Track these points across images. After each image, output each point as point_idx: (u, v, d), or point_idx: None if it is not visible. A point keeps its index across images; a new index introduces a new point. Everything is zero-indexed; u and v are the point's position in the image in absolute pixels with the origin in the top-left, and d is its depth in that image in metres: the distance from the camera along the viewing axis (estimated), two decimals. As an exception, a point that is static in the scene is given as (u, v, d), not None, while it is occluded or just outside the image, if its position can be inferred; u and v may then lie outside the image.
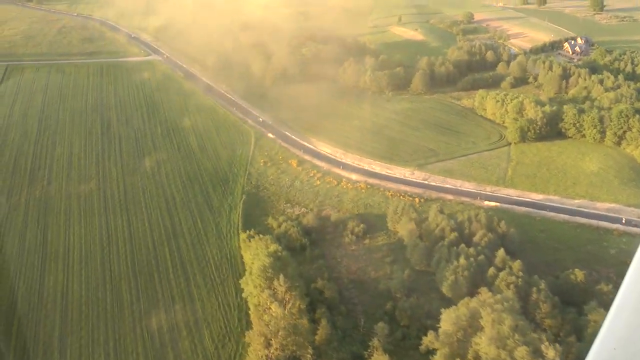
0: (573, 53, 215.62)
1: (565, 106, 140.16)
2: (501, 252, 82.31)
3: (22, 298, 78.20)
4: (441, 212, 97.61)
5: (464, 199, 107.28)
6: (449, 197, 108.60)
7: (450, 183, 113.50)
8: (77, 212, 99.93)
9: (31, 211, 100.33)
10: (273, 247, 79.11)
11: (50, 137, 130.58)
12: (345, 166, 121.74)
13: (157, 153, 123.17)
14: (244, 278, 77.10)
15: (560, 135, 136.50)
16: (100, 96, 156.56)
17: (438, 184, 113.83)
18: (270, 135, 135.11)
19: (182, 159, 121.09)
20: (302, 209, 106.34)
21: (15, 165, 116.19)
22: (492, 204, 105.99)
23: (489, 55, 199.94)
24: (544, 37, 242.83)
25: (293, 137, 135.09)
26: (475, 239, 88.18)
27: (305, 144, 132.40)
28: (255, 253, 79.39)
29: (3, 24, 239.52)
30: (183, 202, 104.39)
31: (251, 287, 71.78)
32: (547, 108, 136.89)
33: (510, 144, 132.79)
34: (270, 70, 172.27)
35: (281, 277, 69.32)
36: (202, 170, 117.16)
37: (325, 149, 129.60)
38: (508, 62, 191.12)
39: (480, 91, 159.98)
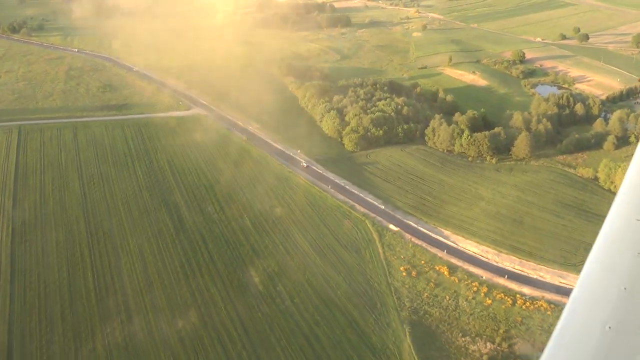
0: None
1: None
2: None
3: None
4: None
5: None
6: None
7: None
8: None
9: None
10: None
11: (107, 239, 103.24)
12: (509, 275, 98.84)
13: (262, 259, 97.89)
14: None
15: None
16: (151, 170, 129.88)
17: None
18: (392, 227, 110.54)
19: (298, 269, 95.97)
20: (488, 345, 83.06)
21: (71, 289, 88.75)
22: None
23: (578, 107, 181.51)
24: (610, 81, 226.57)
25: (421, 229, 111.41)
26: None
27: (440, 238, 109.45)
28: None
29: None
30: (332, 343, 79.51)
31: None
32: None
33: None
34: (349, 132, 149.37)
35: None
36: (332, 285, 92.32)
37: (469, 246, 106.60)
38: (604, 117, 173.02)
39: (605, 161, 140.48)
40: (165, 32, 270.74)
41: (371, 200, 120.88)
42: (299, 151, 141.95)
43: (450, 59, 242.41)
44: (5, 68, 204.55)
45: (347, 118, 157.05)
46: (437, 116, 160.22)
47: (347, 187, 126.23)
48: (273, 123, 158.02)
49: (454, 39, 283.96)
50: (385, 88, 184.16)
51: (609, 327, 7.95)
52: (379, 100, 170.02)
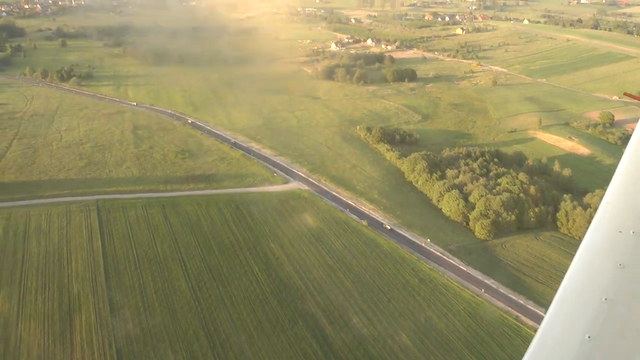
0: None
1: None
2: None
3: None
4: None
5: None
6: None
7: None
8: None
9: None
10: None
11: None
12: None
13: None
14: None
15: None
16: (269, 266, 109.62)
17: None
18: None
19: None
20: None
21: None
22: None
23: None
24: None
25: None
26: None
27: None
28: None
29: (50, 121, 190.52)
30: None
31: None
32: None
33: None
34: (478, 217, 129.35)
35: None
36: None
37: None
38: None
39: None
40: (223, 83, 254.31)
41: (532, 308, 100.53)
42: (428, 240, 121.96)
43: (540, 122, 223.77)
44: (64, 125, 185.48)
45: (471, 199, 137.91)
46: (566, 197, 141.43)
47: (500, 290, 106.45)
48: (386, 202, 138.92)
49: (527, 96, 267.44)
50: (496, 160, 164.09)
51: (589, 337, 7.96)
52: (499, 176, 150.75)
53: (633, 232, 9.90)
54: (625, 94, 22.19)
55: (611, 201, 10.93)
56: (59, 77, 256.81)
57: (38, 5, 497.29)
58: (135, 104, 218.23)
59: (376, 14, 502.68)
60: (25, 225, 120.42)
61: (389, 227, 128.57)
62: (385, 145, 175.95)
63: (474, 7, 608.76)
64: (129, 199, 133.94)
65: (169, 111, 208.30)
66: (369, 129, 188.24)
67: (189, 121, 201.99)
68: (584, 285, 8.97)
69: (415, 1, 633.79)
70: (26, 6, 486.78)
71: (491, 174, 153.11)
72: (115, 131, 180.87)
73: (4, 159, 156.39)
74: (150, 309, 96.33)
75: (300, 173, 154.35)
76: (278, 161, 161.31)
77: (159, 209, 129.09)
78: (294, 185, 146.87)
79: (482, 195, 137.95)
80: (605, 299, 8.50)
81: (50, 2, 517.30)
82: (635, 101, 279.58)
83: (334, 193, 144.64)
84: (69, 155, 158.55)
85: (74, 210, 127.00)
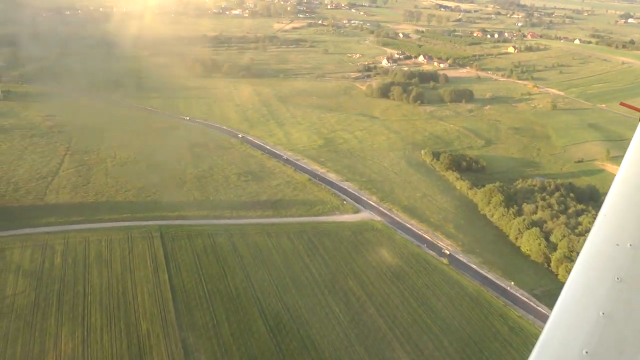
0: None
1: None
2: None
3: None
4: None
5: None
6: None
7: None
8: None
9: None
10: None
11: None
12: None
13: None
14: None
15: None
16: (350, 308, 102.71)
17: None
18: None
19: None
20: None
21: None
22: None
23: None
24: None
25: None
26: None
27: None
28: None
29: (101, 135, 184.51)
30: None
31: None
32: None
33: None
34: (561, 259, 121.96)
35: None
36: None
37: None
38: None
39: None
40: (276, 97, 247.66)
41: None
42: (512, 283, 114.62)
43: (609, 153, 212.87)
44: (115, 140, 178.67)
45: (552, 239, 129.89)
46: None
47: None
48: (464, 238, 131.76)
49: (590, 122, 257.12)
50: (571, 195, 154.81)
51: (586, 352, 7.96)
52: (578, 214, 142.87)
53: (631, 245, 9.68)
54: (621, 103, 20.41)
55: (608, 214, 10.77)
56: (106, 88, 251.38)
57: (79, 12, 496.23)
58: (187, 118, 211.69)
59: (424, 29, 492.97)
60: (84, 252, 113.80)
61: (474, 267, 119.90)
62: (454, 173, 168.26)
63: (520, 24, 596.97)
64: (193, 226, 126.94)
65: (224, 127, 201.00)
66: (435, 155, 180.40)
67: (239, 136, 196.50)
68: (582, 299, 8.79)
69: (460, 16, 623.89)
70: (67, 12, 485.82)
71: (570, 211, 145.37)
72: (171, 149, 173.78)
73: (57, 177, 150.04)
74: (228, 354, 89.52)
75: (370, 201, 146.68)
76: (345, 187, 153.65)
77: (226, 238, 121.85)
78: (365, 215, 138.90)
79: (564, 236, 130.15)
80: (603, 314, 8.36)
81: (91, 8, 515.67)
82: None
83: (408, 225, 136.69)
84: (126, 175, 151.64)
85: (135, 236, 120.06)
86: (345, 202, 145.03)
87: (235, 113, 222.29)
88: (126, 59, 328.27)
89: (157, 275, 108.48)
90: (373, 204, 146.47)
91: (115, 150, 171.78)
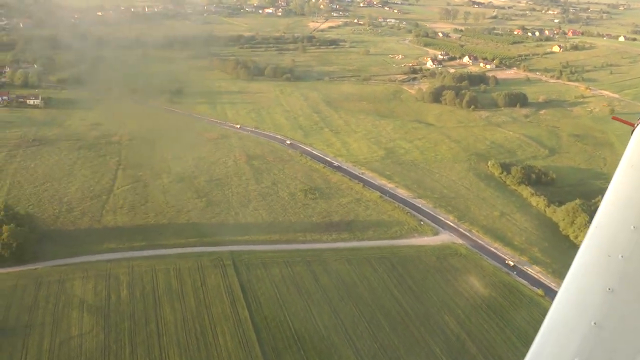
0: None
1: None
2: None
3: None
4: None
5: None
6: None
7: None
8: None
9: None
10: None
11: None
12: None
13: None
14: None
15: None
16: (451, 347, 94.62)
17: None
18: None
19: None
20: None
21: None
22: None
23: None
24: None
25: None
26: None
27: None
28: None
29: (151, 146, 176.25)
30: None
31: None
32: None
33: None
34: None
35: None
36: None
37: None
38: None
39: None
40: (324, 102, 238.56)
41: None
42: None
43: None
44: (168, 151, 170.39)
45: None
46: None
47: None
48: (553, 264, 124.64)
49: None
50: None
51: None
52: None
53: (622, 256, 9.73)
54: (613, 117, 19.90)
55: (600, 225, 10.79)
56: (149, 94, 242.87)
57: (111, 12, 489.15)
58: (238, 126, 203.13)
59: (462, 28, 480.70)
60: (152, 284, 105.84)
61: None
62: (528, 188, 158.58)
63: (556, 20, 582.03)
64: (267, 252, 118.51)
65: (279, 137, 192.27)
66: (503, 167, 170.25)
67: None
68: (573, 310, 8.87)
69: (494, 13, 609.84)
70: (99, 13, 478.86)
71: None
72: (228, 161, 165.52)
73: (112, 195, 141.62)
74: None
75: (447, 221, 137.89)
76: (419, 205, 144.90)
77: (304, 267, 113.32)
78: (445, 237, 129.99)
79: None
80: (595, 324, 8.40)
81: (123, 8, 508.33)
82: None
83: (492, 248, 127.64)
84: (185, 192, 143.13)
85: (206, 265, 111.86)
86: (422, 223, 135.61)
87: (286, 120, 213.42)
88: (164, 61, 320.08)
89: (235, 310, 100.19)
90: (451, 224, 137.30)
91: (169, 164, 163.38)
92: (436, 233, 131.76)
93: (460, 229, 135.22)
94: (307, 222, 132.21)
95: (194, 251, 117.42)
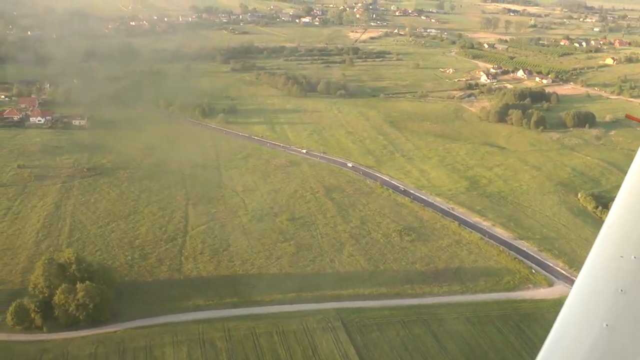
0: None
1: None
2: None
3: None
4: None
5: None
6: None
7: None
8: None
9: None
10: None
11: None
12: None
13: None
14: None
15: None
16: None
17: None
18: None
19: None
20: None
21: None
22: None
23: None
24: None
25: None
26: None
27: None
28: None
29: (217, 176, 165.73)
30: None
31: None
32: None
33: None
34: None
35: None
36: None
37: None
38: None
39: None
40: (386, 122, 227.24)
41: None
42: None
43: None
44: (236, 182, 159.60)
45: None
46: None
47: None
48: None
49: None
50: None
51: None
52: None
53: (634, 257, 9.60)
54: (627, 115, 23.94)
55: (612, 225, 10.60)
56: (201, 112, 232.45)
57: (145, 22, 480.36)
58: (305, 151, 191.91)
59: (507, 38, 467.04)
60: (255, 351, 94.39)
61: None
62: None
63: (596, 29, 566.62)
64: (377, 309, 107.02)
65: (351, 164, 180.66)
66: (596, 200, 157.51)
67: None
68: (585, 311, 8.74)
69: (532, 21, 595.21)
70: (132, 23, 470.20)
71: None
72: (306, 194, 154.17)
73: (188, 237, 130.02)
74: None
75: (557, 268, 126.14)
76: (523, 248, 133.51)
77: (423, 328, 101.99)
78: (562, 288, 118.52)
79: None
80: (607, 325, 8.30)
81: (155, 18, 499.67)
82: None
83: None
84: (269, 234, 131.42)
85: (313, 327, 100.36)
86: (534, 271, 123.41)
87: (352, 144, 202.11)
88: (208, 75, 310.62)
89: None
90: (563, 272, 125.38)
91: (243, 197, 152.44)
92: (551, 284, 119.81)
93: (574, 279, 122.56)
94: (412, 271, 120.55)
95: (295, 309, 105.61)
